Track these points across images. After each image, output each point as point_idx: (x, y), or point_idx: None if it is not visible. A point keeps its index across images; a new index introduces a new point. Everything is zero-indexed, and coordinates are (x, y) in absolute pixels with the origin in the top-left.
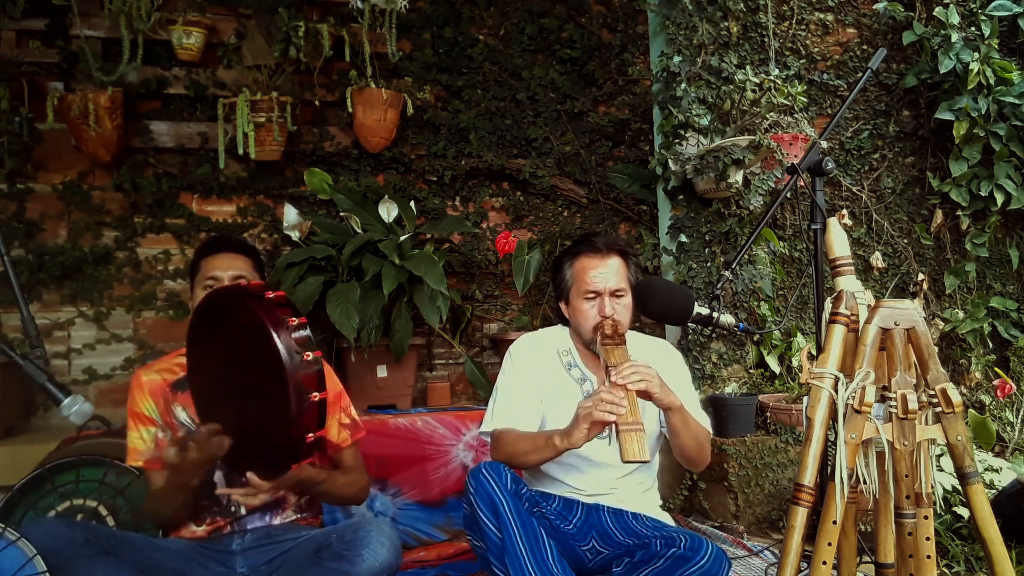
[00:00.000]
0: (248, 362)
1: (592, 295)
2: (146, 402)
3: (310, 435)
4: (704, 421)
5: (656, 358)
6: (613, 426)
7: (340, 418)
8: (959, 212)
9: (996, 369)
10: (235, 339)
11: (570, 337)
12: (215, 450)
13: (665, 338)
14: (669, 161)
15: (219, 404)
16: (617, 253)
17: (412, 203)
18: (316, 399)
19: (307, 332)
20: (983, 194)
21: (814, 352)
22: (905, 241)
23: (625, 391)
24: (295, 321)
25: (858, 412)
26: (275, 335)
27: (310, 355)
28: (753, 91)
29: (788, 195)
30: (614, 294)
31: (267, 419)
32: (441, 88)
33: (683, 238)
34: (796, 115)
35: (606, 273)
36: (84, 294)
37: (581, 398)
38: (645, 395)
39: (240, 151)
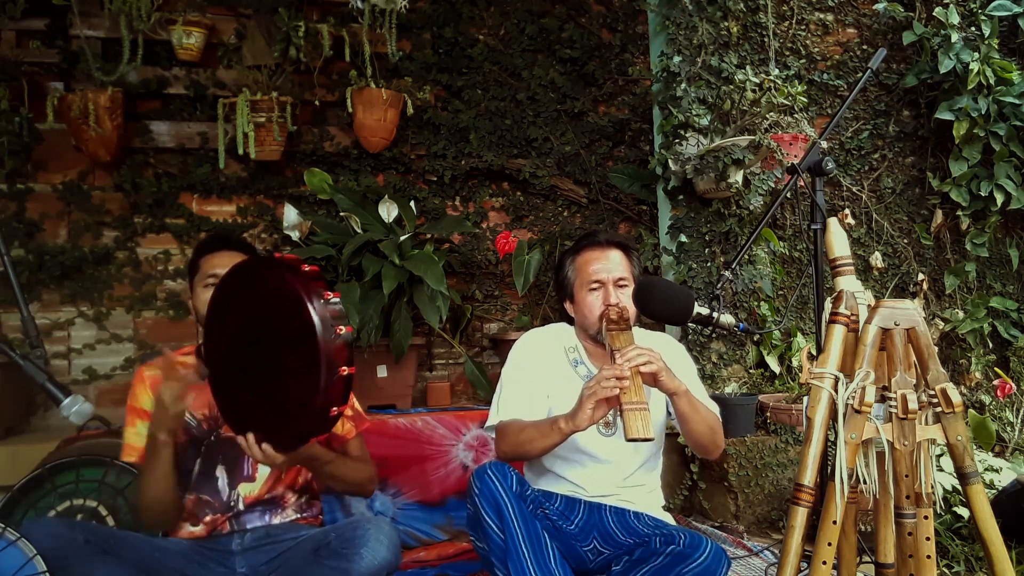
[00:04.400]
0: (277, 331)
1: (596, 285)
2: (146, 396)
3: (334, 409)
4: (714, 408)
5: (661, 350)
6: (617, 408)
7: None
8: (959, 212)
9: (996, 369)
10: (265, 308)
11: (576, 335)
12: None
13: None
14: (669, 161)
15: (237, 370)
16: (618, 246)
17: (412, 203)
18: (345, 373)
19: (340, 306)
20: (983, 194)
21: (814, 352)
22: (905, 241)
23: (629, 372)
24: (330, 295)
25: (858, 412)
26: (310, 306)
27: (343, 329)
28: (753, 91)
29: (788, 195)
30: (618, 283)
31: (291, 389)
32: (441, 88)
33: (683, 238)
34: (796, 115)
35: (608, 264)
36: (84, 294)
37: None
38: (651, 379)
39: (240, 151)
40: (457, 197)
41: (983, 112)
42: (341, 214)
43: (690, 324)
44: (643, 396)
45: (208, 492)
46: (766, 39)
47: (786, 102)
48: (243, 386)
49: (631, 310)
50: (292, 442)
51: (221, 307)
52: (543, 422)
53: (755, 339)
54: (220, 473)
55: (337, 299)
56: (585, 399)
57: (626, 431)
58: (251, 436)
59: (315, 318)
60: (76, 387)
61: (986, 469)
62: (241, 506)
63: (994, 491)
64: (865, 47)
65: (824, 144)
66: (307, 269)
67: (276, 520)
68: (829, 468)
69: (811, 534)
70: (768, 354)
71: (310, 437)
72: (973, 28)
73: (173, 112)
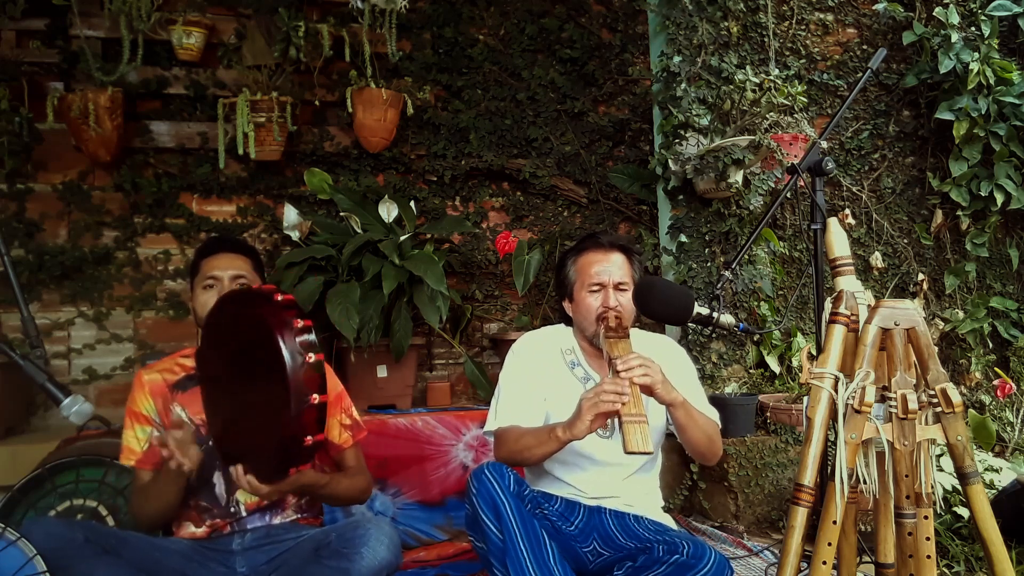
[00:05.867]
0: (253, 363)
1: (596, 287)
2: (146, 401)
3: (308, 438)
4: (712, 414)
5: (660, 354)
6: (616, 418)
7: (341, 419)
8: (959, 212)
9: (996, 369)
10: (243, 340)
11: (573, 336)
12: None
13: None
14: (669, 161)
15: (224, 403)
16: (620, 249)
17: (412, 203)
18: (316, 401)
19: (311, 335)
20: (983, 194)
21: (814, 352)
22: (905, 241)
23: (629, 383)
24: (300, 323)
25: (858, 412)
26: (279, 337)
27: (312, 357)
28: (753, 91)
29: (788, 195)
30: (618, 287)
31: (268, 421)
32: (441, 88)
33: (683, 238)
34: (796, 115)
35: (610, 267)
36: (84, 294)
37: None
38: (647, 390)
39: (240, 151)
40: (457, 197)
41: (983, 112)
42: (341, 214)
43: (690, 324)
44: (642, 408)
45: (207, 498)
46: (766, 39)
47: (786, 102)
48: (230, 414)
49: (629, 316)
50: (272, 474)
51: (212, 334)
52: (541, 429)
53: (755, 339)
54: (217, 479)
55: (309, 327)
56: (584, 410)
57: (625, 444)
58: (239, 467)
59: (283, 348)
60: (76, 387)
61: (986, 469)
62: (242, 512)
63: (994, 491)
64: (865, 47)
65: (824, 144)
66: (280, 299)
67: (277, 520)
68: (829, 468)
69: (811, 534)
70: (768, 354)
71: (289, 468)
72: (973, 28)
73: (173, 112)
